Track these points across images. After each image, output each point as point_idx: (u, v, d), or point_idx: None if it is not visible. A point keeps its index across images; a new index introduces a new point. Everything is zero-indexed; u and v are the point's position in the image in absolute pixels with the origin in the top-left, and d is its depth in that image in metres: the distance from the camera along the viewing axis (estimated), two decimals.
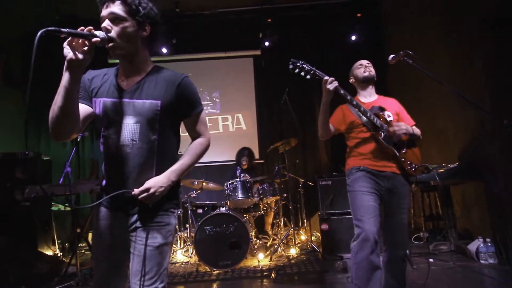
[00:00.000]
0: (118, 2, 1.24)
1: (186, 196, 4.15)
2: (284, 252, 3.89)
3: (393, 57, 2.03)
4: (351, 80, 2.35)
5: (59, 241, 4.19)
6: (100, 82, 1.35)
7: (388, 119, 2.17)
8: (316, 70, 2.04)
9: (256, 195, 4.03)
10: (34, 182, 3.50)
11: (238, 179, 3.98)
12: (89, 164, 5.64)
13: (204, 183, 4.10)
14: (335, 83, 1.99)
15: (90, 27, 1.14)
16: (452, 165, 3.54)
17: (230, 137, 5.99)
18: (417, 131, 2.20)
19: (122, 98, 1.31)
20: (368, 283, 1.94)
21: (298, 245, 4.21)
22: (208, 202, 4.28)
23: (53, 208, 4.26)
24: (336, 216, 3.75)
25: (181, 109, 1.37)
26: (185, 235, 4.17)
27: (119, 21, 1.23)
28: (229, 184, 3.94)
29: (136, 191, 1.25)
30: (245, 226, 3.47)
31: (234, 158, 5.07)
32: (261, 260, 3.59)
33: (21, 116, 5.40)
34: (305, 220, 4.64)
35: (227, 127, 6.07)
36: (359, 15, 5.64)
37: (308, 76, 2.03)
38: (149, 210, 1.28)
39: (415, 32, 4.72)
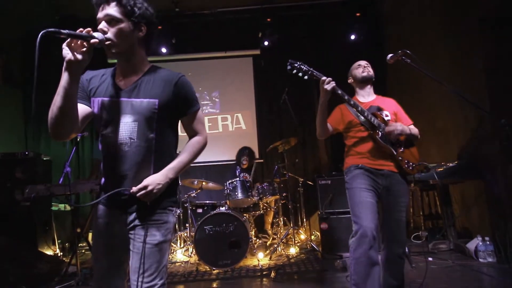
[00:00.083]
0: (113, 4, 1.26)
1: (186, 195, 4.16)
2: (283, 251, 3.90)
3: (391, 56, 2.04)
4: (350, 80, 2.37)
5: (59, 241, 4.20)
6: (98, 82, 1.37)
7: (386, 118, 2.20)
8: (314, 71, 2.06)
9: (255, 195, 4.04)
10: (34, 182, 3.50)
11: (238, 179, 3.99)
12: (89, 164, 5.65)
13: (203, 183, 4.11)
14: (333, 83, 2.01)
15: (89, 29, 1.16)
16: (451, 164, 3.55)
17: (230, 136, 5.99)
18: (414, 131, 2.22)
19: (120, 97, 1.33)
20: (366, 278, 1.95)
21: (298, 244, 4.22)
22: (207, 201, 4.29)
23: (53, 208, 4.27)
24: (336, 215, 3.76)
25: (178, 108, 1.39)
26: (185, 234, 4.18)
27: (115, 23, 1.25)
28: (229, 183, 3.95)
29: (134, 189, 1.27)
30: (245, 226, 3.47)
31: (233, 158, 5.07)
32: (260, 259, 3.60)
33: (21, 116, 5.41)
34: (304, 220, 4.65)
35: (226, 127, 6.07)
36: (358, 14, 5.64)
37: (305, 77, 2.05)
38: (147, 208, 1.29)
39: (415, 32, 4.72)
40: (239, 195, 3.84)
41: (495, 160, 3.22)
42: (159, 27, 5.37)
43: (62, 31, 1.08)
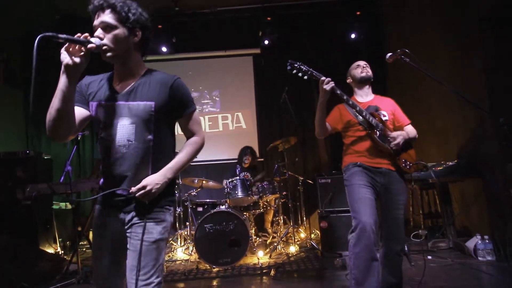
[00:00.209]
0: (108, 11, 1.28)
1: (186, 194, 4.18)
2: (283, 249, 3.91)
3: (390, 55, 2.05)
4: (349, 80, 2.39)
5: (60, 239, 4.23)
6: (97, 87, 1.41)
7: (384, 118, 2.23)
8: (313, 71, 2.08)
9: (255, 193, 4.05)
10: (35, 181, 3.52)
11: (238, 177, 4.00)
12: (90, 163, 5.67)
13: (204, 181, 4.12)
14: (332, 84, 2.03)
15: (86, 34, 1.19)
16: (450, 163, 3.55)
17: (230, 135, 6.01)
18: (412, 133, 2.26)
19: (118, 101, 1.36)
20: (366, 273, 1.97)
21: (298, 242, 4.23)
22: (208, 200, 4.31)
23: (54, 206, 4.29)
24: (335, 214, 3.77)
25: (175, 110, 1.42)
26: (185, 233, 4.20)
27: (110, 29, 1.29)
28: (229, 182, 3.97)
29: (133, 189, 1.29)
30: (245, 224, 3.49)
31: (234, 157, 5.09)
32: (260, 257, 3.61)
33: (22, 116, 5.43)
34: (304, 218, 4.66)
35: (227, 126, 6.08)
36: (358, 13, 5.64)
37: (305, 77, 2.08)
38: (145, 207, 1.32)
39: (415, 32, 4.71)
40: (239, 193, 3.85)
41: (494, 159, 3.23)
42: (159, 26, 5.38)
43: (60, 35, 1.11)
